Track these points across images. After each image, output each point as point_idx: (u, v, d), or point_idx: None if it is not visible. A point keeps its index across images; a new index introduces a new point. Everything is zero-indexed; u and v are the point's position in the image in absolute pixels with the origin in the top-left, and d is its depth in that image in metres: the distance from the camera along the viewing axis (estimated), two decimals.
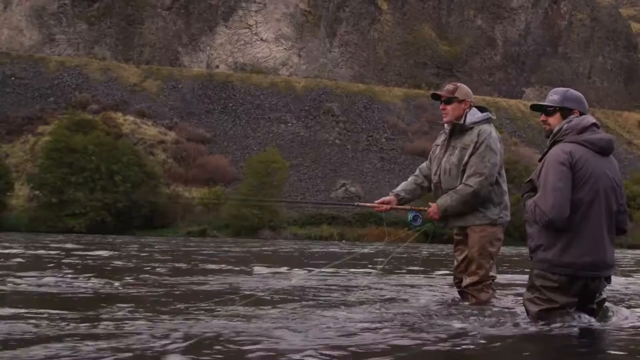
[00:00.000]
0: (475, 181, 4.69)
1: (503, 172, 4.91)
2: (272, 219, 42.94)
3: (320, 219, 44.37)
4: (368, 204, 5.24)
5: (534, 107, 4.23)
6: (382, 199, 5.10)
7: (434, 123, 57.03)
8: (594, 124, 4.00)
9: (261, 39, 68.88)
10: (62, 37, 64.15)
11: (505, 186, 4.92)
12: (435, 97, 5.03)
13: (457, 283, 5.10)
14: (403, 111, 64.45)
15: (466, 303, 4.88)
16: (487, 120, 4.89)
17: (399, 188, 5.17)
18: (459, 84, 5.05)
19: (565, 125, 4.00)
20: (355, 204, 5.45)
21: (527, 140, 63.93)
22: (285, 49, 69.18)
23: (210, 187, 48.24)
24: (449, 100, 4.89)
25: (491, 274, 4.85)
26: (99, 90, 58.76)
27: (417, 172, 5.22)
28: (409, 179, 5.22)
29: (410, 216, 4.86)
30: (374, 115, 63.23)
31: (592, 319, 3.99)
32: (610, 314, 4.26)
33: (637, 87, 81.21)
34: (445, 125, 4.97)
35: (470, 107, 4.91)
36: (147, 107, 58.07)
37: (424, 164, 5.22)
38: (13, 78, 57.26)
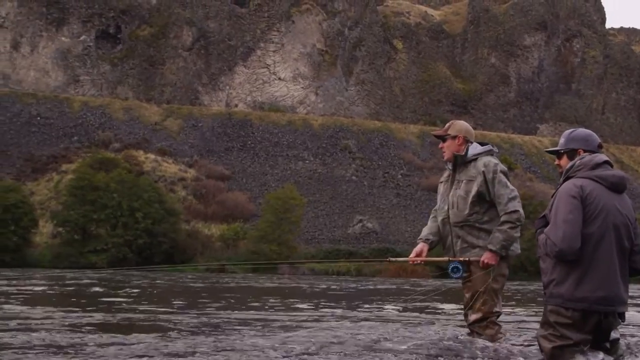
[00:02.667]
0: (514, 204, 4.65)
1: None
2: (289, 255, 43.23)
3: (338, 254, 44.63)
4: (401, 259, 5.24)
5: (549, 153, 4.46)
6: (415, 250, 5.00)
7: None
8: (607, 162, 4.04)
9: (279, 78, 70.06)
10: (86, 78, 65.79)
11: None
12: (436, 137, 5.18)
13: (466, 319, 4.99)
14: (419, 148, 64.95)
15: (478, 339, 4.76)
16: (489, 152, 4.92)
17: (425, 233, 5.07)
18: (454, 122, 5.14)
19: (578, 161, 4.05)
20: (388, 259, 5.50)
21: (542, 175, 64.08)
22: (302, 87, 70.27)
23: (229, 224, 48.79)
24: (443, 138, 5.02)
25: (496, 309, 4.74)
26: (121, 129, 59.73)
27: (433, 213, 5.15)
28: (430, 221, 5.12)
29: (450, 267, 4.72)
30: (390, 152, 63.74)
31: (607, 357, 3.92)
32: (624, 351, 4.23)
33: None
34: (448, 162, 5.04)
35: (465, 140, 4.94)
36: (168, 145, 59.00)
37: (437, 205, 5.12)
38: (39, 118, 58.23)
